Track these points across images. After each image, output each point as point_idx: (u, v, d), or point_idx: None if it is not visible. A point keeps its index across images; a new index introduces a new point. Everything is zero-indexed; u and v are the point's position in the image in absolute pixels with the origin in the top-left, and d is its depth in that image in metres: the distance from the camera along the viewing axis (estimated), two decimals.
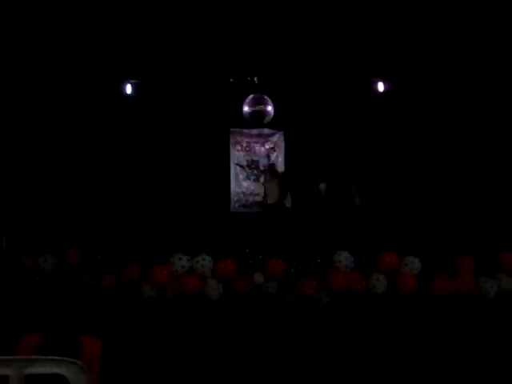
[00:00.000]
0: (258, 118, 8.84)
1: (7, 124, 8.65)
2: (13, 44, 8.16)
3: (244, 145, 9.27)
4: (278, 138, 9.28)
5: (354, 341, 6.16)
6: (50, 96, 8.76)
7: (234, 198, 9.02)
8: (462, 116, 8.90)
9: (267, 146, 9.28)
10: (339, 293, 6.48)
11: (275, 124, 9.10)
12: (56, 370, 2.14)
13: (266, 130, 9.27)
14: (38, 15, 7.88)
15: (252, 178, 9.21)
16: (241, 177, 9.19)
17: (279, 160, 9.19)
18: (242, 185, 9.19)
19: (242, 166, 9.12)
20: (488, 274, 6.69)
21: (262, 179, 9.15)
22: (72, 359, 2.31)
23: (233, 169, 8.95)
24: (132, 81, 8.95)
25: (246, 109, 8.75)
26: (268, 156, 9.17)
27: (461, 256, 6.77)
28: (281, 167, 9.09)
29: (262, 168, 9.19)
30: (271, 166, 8.89)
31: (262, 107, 8.76)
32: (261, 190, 9.14)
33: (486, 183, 8.74)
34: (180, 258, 6.46)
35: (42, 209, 8.54)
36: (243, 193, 9.18)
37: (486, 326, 6.21)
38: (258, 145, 9.29)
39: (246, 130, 9.26)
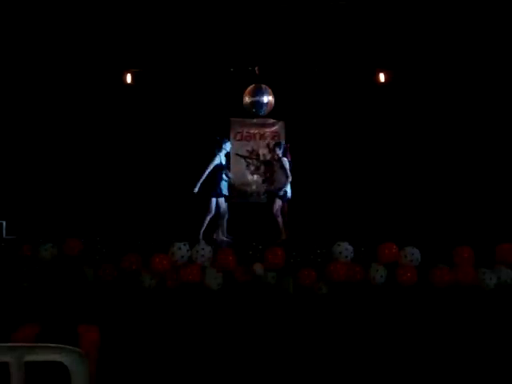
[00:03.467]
0: (258, 108, 8.82)
1: (8, 113, 8.63)
2: (16, 39, 8.15)
3: (244, 134, 9.24)
4: (278, 128, 9.24)
5: (354, 331, 6.17)
6: (50, 87, 8.74)
7: (233, 187, 8.99)
8: (461, 107, 8.88)
9: (268, 136, 9.25)
10: (339, 284, 6.49)
11: (276, 114, 9.07)
12: (56, 357, 2.13)
13: (267, 120, 9.23)
14: (41, 9, 7.86)
15: (252, 167, 9.18)
16: (241, 167, 9.16)
17: (279, 150, 9.17)
18: (242, 175, 9.16)
19: (242, 156, 9.09)
20: (487, 265, 6.70)
21: (262, 169, 9.13)
22: (72, 347, 2.31)
23: (233, 159, 8.92)
24: (132, 70, 8.93)
25: (246, 99, 8.74)
26: (268, 146, 9.13)
27: (460, 247, 6.76)
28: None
29: (262, 158, 9.16)
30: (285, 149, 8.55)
31: (261, 97, 8.75)
32: (261, 180, 9.13)
33: (485, 175, 8.73)
34: (180, 248, 6.46)
35: (42, 198, 8.54)
36: (243, 183, 9.16)
37: (486, 318, 6.22)
38: (259, 135, 9.25)
39: (246, 120, 9.22)
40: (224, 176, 8.27)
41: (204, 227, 8.03)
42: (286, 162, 8.19)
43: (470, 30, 8.29)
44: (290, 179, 8.10)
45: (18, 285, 6.36)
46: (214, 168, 8.12)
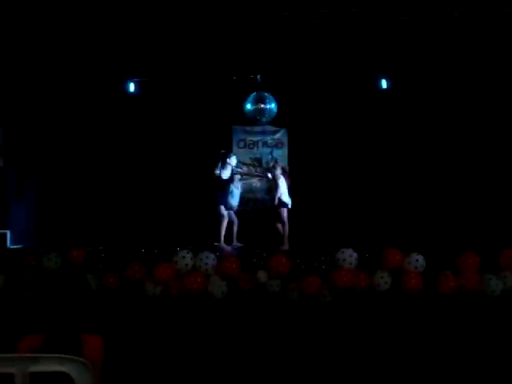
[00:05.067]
0: (260, 116, 8.82)
1: (11, 123, 8.66)
2: (20, 46, 8.18)
3: (247, 142, 9.24)
4: (281, 135, 9.25)
5: (358, 339, 6.13)
6: (55, 94, 8.78)
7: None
8: (463, 113, 8.89)
9: (270, 143, 9.26)
10: (343, 291, 6.45)
11: (279, 121, 9.08)
12: (60, 367, 2.13)
13: (270, 127, 9.24)
14: (44, 16, 7.90)
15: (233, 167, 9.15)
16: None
17: (282, 157, 9.17)
18: (245, 182, 9.16)
19: (245, 164, 9.09)
20: (493, 271, 6.66)
21: (265, 176, 9.13)
22: (76, 357, 2.30)
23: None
24: (135, 79, 8.96)
25: (248, 106, 8.75)
26: (271, 153, 9.14)
27: (465, 254, 6.72)
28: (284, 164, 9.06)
29: (265, 165, 9.16)
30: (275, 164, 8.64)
31: (264, 105, 8.75)
32: (264, 187, 9.13)
33: (489, 181, 8.71)
34: (183, 256, 6.44)
35: (45, 207, 8.55)
36: (246, 190, 9.15)
37: (491, 324, 6.18)
38: (261, 142, 9.26)
39: (248, 127, 9.24)
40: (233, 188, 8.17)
41: (223, 235, 7.98)
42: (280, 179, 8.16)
43: (468, 38, 8.29)
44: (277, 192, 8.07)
45: (22, 294, 6.35)
46: (222, 181, 8.05)
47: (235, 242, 8.20)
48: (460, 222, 8.33)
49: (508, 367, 5.52)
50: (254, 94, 8.85)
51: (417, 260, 6.57)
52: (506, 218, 8.36)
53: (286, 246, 7.94)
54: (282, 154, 9.19)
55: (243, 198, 8.94)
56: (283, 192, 8.09)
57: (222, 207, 8.03)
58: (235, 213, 8.30)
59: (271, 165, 8.91)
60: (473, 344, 5.95)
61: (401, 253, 6.67)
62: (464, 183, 8.73)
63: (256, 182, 9.21)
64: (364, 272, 6.54)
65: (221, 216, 8.01)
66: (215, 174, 8.02)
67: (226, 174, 8.12)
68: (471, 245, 7.09)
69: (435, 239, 7.76)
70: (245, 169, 8.98)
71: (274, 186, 8.30)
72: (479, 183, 8.67)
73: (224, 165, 8.12)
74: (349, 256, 6.55)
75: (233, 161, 8.29)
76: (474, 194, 8.64)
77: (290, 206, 8.15)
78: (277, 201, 8.08)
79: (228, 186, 8.14)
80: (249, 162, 9.17)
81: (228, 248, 7.96)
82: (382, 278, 6.50)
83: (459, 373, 5.59)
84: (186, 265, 6.42)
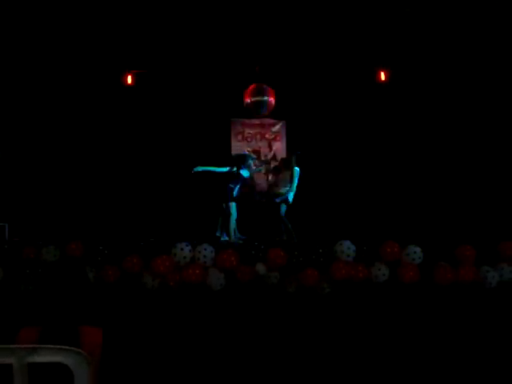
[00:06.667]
0: (259, 108, 8.81)
1: (9, 116, 8.66)
2: (16, 39, 8.17)
3: (245, 135, 9.24)
4: (279, 128, 9.24)
5: (356, 330, 6.17)
6: (52, 88, 8.77)
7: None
8: (462, 105, 8.89)
9: (269, 136, 9.25)
10: (341, 283, 6.48)
11: (277, 113, 9.07)
12: (58, 358, 2.15)
13: (268, 120, 9.23)
14: (42, 9, 7.88)
15: (253, 168, 9.18)
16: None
17: (280, 149, 9.16)
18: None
19: None
20: (489, 263, 6.69)
21: (263, 169, 9.13)
22: (75, 348, 2.32)
23: None
24: (133, 71, 8.94)
25: (247, 99, 8.74)
26: (270, 146, 9.14)
27: (462, 245, 6.75)
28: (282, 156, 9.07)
29: (263, 158, 9.16)
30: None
31: (263, 97, 8.74)
32: (263, 181, 9.13)
33: (487, 173, 8.73)
34: (182, 249, 6.46)
35: (44, 200, 8.56)
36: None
37: (488, 316, 6.22)
38: (260, 135, 9.25)
39: (247, 120, 9.23)
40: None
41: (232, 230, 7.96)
42: (297, 172, 8.15)
43: (469, 28, 8.28)
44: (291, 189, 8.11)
45: (20, 287, 6.36)
46: (241, 180, 8.07)
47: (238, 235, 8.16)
48: (457, 214, 8.35)
49: (504, 358, 5.56)
50: (253, 86, 8.83)
51: (414, 252, 6.60)
52: (503, 210, 8.39)
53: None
54: (280, 147, 9.17)
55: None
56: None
57: (234, 204, 7.97)
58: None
59: (269, 158, 8.94)
60: (469, 335, 5.99)
61: (398, 245, 6.70)
62: (461, 176, 8.75)
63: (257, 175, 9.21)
64: (362, 264, 6.56)
65: (231, 214, 7.97)
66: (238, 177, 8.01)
67: (245, 174, 8.19)
68: (468, 237, 7.11)
69: (432, 231, 7.78)
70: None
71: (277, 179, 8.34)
72: (476, 176, 8.69)
73: (245, 166, 8.20)
74: (347, 248, 6.58)
75: (251, 162, 8.42)
76: (471, 187, 8.66)
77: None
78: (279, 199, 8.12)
79: (240, 185, 8.12)
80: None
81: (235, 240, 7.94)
82: (379, 269, 6.53)
83: (456, 363, 5.63)
84: (185, 257, 6.44)
